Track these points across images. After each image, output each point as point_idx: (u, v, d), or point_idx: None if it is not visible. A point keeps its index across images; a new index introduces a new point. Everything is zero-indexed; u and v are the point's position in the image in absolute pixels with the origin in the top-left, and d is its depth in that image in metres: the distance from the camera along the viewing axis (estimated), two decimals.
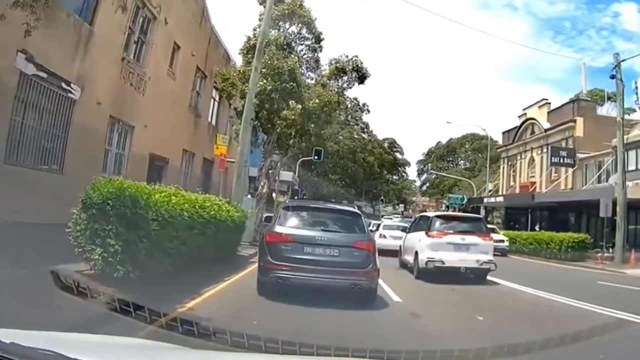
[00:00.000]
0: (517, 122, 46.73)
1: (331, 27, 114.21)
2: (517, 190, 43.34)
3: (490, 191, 49.51)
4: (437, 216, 15.36)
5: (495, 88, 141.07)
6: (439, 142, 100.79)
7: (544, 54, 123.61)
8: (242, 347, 4.12)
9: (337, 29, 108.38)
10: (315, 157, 39.18)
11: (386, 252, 23.16)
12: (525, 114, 45.35)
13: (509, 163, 47.32)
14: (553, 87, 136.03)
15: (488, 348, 5.86)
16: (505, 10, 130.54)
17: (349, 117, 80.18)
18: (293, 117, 19.36)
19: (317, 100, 20.68)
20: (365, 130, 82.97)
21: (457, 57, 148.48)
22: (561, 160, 36.81)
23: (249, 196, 22.11)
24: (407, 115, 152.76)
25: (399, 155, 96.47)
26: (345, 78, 25.30)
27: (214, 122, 26.75)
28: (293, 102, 19.61)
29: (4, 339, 2.06)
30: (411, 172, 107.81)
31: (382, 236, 24.01)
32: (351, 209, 10.82)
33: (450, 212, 18.08)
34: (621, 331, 8.30)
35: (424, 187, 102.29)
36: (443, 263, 13.96)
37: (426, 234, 14.53)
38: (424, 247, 14.38)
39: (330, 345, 4.14)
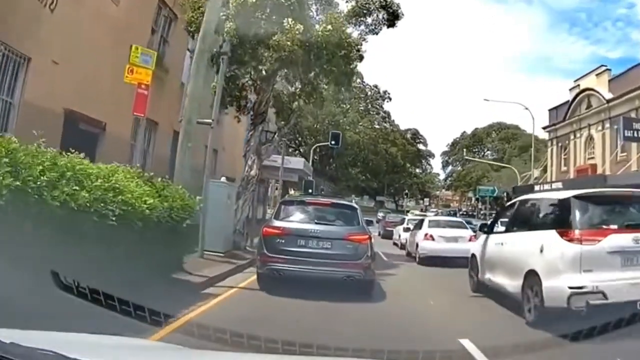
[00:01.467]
0: (568, 97, 38.17)
1: None
2: (572, 176, 34.95)
3: (536, 178, 41.11)
4: (579, 197, 7.10)
5: (506, 79, 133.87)
6: (464, 132, 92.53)
7: (557, 45, 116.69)
8: (242, 347, 3.88)
9: None
10: (332, 143, 32.19)
11: (437, 261, 15.50)
12: (579, 85, 36.80)
13: (559, 144, 38.78)
14: (568, 78, 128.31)
15: (488, 348, 5.37)
16: (519, 4, 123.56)
17: (370, 105, 72.54)
18: (289, 44, 11.47)
19: (329, 27, 12.67)
20: (387, 119, 74.81)
21: (471, 47, 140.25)
22: (635, 135, 28.37)
23: (224, 179, 14.26)
24: (429, 106, 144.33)
25: (422, 147, 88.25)
26: (369, 21, 17.20)
27: None
28: (290, 20, 11.70)
29: (3, 339, 1.91)
30: (435, 165, 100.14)
31: (429, 237, 16.11)
32: (347, 202, 11.12)
33: (603, 190, 9.68)
34: None
35: (449, 180, 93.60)
36: (605, 297, 6.07)
37: (561, 235, 6.60)
38: (560, 263, 6.49)
39: (330, 345, 3.90)
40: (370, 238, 9.24)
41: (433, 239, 15.90)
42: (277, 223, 9.16)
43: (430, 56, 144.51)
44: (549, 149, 41.05)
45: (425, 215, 41.07)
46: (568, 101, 37.83)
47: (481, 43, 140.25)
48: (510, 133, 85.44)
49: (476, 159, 75.94)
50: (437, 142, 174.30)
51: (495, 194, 67.39)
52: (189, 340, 5.24)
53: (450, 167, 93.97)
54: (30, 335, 2.28)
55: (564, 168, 37.63)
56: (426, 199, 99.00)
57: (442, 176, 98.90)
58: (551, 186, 32.78)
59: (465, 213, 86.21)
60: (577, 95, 36.48)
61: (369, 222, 20.91)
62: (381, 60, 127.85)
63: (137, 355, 2.51)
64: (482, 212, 68.39)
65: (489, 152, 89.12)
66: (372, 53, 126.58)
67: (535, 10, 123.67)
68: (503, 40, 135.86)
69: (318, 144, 46.10)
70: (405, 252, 19.20)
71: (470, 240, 16.18)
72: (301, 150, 60.43)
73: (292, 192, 56.42)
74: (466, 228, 17.05)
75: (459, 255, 15.83)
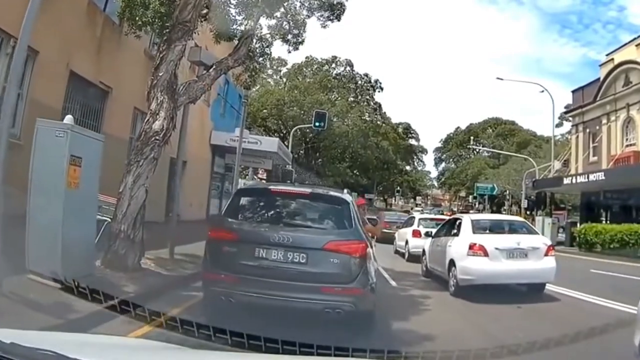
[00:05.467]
0: (599, 74, 31.14)
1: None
2: (604, 166, 27.93)
3: (557, 171, 34.03)
4: None
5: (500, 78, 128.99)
6: (458, 127, 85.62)
7: (550, 47, 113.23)
8: (242, 347, 3.65)
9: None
10: (317, 124, 26.14)
11: (491, 291, 7.95)
12: (612, 59, 29.86)
13: (587, 131, 31.65)
14: (560, 81, 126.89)
15: (488, 348, 5.12)
16: (511, 5, 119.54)
17: (359, 95, 65.25)
18: None
19: None
20: (378, 111, 67.42)
21: (465, 46, 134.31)
22: None
23: (70, 119, 6.12)
24: (420, 102, 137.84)
25: (414, 142, 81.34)
26: None
27: None
28: None
29: (4, 339, 1.87)
30: (427, 162, 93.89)
31: (478, 250, 9.10)
32: (334, 193, 6.76)
33: None
34: None
35: (443, 178, 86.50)
36: None
37: None
38: None
39: (331, 345, 3.55)
40: (368, 247, 5.85)
41: (485, 254, 8.52)
42: (227, 223, 5.96)
43: (422, 52, 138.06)
44: (573, 137, 33.99)
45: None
46: (598, 79, 30.80)
47: (474, 43, 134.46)
48: (507, 129, 79.14)
49: (492, 150, 68.66)
50: (429, 139, 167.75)
51: (494, 192, 60.96)
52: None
53: (443, 164, 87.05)
54: (31, 335, 2.30)
55: (593, 158, 30.52)
56: (418, 197, 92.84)
57: (433, 174, 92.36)
58: (587, 178, 25.65)
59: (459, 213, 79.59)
60: (610, 71, 29.45)
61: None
62: (373, 52, 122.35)
63: (137, 355, 2.37)
64: (481, 211, 61.36)
65: (484, 148, 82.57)
66: (363, 45, 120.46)
67: (527, 12, 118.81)
68: (495, 40, 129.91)
69: (299, 126, 39.19)
70: (423, 270, 11.80)
71: (547, 253, 8.93)
72: (286, 144, 53.41)
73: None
74: (535, 233, 9.74)
75: (529, 280, 8.68)
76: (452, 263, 9.07)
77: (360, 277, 5.52)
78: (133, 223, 7.69)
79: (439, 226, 11.73)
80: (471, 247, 8.62)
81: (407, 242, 16.42)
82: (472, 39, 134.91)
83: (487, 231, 9.37)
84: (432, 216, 20.53)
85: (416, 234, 15.81)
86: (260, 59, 12.34)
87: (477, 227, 9.37)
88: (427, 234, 11.80)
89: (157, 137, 7.78)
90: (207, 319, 5.75)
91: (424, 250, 11.78)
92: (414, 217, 18.88)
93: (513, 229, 9.64)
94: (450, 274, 9.11)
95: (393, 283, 10.24)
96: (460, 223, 9.78)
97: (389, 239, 20.77)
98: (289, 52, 11.85)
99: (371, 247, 6.19)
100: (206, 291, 6.03)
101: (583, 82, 33.03)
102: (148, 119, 7.99)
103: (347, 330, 5.50)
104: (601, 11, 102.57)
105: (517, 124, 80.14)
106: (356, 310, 5.49)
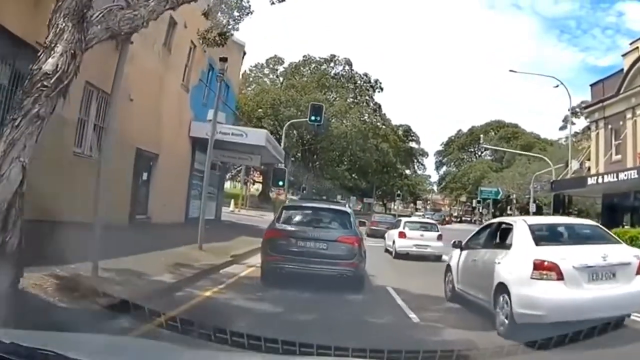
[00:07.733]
0: (623, 65, 28.26)
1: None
2: (630, 164, 24.96)
3: (575, 171, 31.12)
4: None
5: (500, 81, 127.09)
6: (460, 130, 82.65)
7: (549, 52, 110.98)
8: (242, 347, 3.69)
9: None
10: (312, 118, 24.02)
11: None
12: (637, 47, 26.93)
13: (609, 127, 28.67)
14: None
15: (488, 348, 5.19)
16: (510, 9, 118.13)
17: (359, 96, 62.39)
18: None
19: None
20: (377, 112, 64.45)
21: (464, 50, 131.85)
22: None
23: None
24: (421, 103, 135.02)
25: (414, 145, 78.34)
26: None
27: None
28: None
29: (4, 339, 1.88)
30: (428, 166, 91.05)
31: (554, 275, 5.77)
32: (341, 208, 11.13)
33: None
34: None
35: (444, 182, 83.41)
36: None
37: None
38: None
39: (331, 345, 3.58)
40: (360, 240, 9.73)
41: (559, 276, 5.45)
42: (278, 226, 9.78)
43: (423, 54, 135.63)
44: (593, 134, 30.95)
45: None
46: (621, 70, 27.86)
47: (475, 45, 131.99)
48: (510, 131, 76.36)
49: (501, 149, 65.62)
50: (429, 142, 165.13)
51: (499, 196, 58.17)
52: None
53: (444, 168, 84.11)
54: (31, 335, 2.28)
55: (616, 157, 27.54)
56: (418, 202, 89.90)
57: (434, 178, 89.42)
58: (616, 178, 22.68)
59: (458, 218, 76.53)
60: (635, 61, 26.48)
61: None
62: (372, 52, 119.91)
63: (137, 355, 2.39)
64: (485, 215, 58.57)
65: (487, 151, 79.80)
66: (363, 45, 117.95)
67: (526, 16, 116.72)
68: (496, 43, 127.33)
69: (293, 120, 36.62)
70: (447, 294, 8.72)
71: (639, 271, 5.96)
72: (281, 144, 50.74)
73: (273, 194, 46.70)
74: (617, 241, 6.66)
75: (618, 312, 5.84)
76: (502, 288, 6.02)
77: (356, 256, 9.27)
78: (3, 221, 4.69)
79: (472, 234, 8.67)
80: (537, 266, 5.57)
81: (394, 242, 18.43)
82: (473, 41, 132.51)
83: (554, 242, 6.36)
84: (418, 219, 22.53)
85: (402, 235, 18.11)
86: (236, 13, 9.42)
87: (540, 236, 6.34)
88: (455, 245, 8.76)
89: (46, 83, 4.79)
90: (265, 285, 9.26)
91: (449, 266, 8.73)
92: (400, 220, 20.64)
93: (584, 236, 6.62)
94: (499, 304, 6.10)
95: (413, 317, 7.15)
96: (510, 229, 6.73)
97: (376, 235, 26.85)
98: (272, 3, 8.91)
99: (361, 241, 9.74)
100: (265, 266, 9.50)
101: (582, 86, 30.28)
102: (39, 57, 5.01)
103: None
104: (600, 16, 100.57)
105: (520, 127, 77.47)
106: (354, 275, 9.23)
